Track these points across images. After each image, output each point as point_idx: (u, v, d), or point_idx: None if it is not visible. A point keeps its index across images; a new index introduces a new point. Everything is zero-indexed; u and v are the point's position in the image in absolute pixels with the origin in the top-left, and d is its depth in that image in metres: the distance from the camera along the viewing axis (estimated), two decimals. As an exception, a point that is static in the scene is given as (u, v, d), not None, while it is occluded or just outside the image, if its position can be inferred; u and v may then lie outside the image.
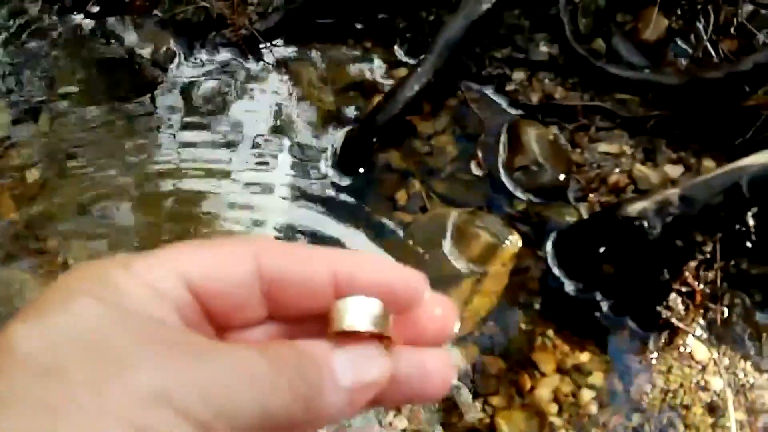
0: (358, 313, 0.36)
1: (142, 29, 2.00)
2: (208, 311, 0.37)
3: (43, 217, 1.79)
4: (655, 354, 1.66)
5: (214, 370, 0.33)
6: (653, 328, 1.67)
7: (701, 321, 1.68)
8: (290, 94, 1.96)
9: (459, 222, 1.76)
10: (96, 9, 2.01)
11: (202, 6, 1.98)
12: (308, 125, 1.93)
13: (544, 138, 1.85)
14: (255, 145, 1.90)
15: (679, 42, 2.02)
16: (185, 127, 1.92)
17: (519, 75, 1.96)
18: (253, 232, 1.76)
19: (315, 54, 2.02)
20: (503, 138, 1.88)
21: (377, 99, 1.93)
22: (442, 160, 1.89)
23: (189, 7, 1.98)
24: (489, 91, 1.96)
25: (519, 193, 1.82)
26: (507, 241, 1.74)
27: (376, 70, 2.01)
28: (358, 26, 2.04)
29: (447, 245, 1.73)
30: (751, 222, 1.62)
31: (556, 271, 1.73)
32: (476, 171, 1.87)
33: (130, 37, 2.01)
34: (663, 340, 1.67)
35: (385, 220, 1.78)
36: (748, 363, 1.67)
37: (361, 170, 1.86)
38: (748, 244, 1.64)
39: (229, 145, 1.89)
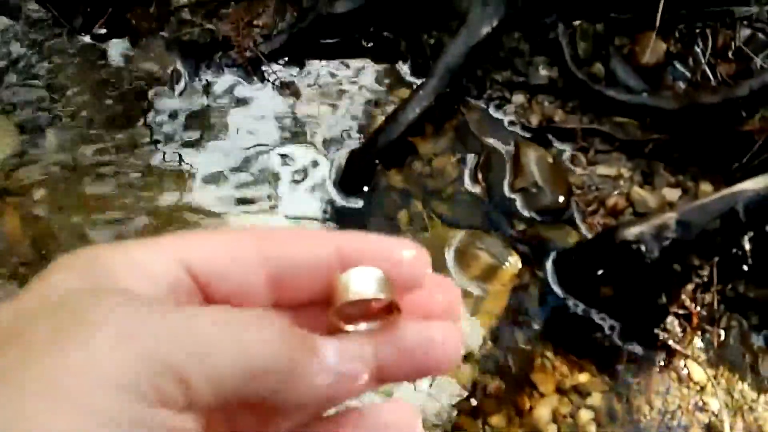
0: (362, 281, 0.36)
1: (148, 50, 2.03)
2: (211, 298, 0.36)
3: (49, 235, 1.81)
4: (654, 375, 1.68)
5: (191, 319, 0.32)
6: (651, 350, 1.69)
7: (699, 343, 1.70)
8: (293, 115, 1.99)
9: (459, 243, 1.79)
10: (103, 31, 2.03)
11: (208, 28, 2.01)
12: (310, 145, 1.96)
13: (544, 160, 1.88)
14: (257, 165, 1.92)
15: (678, 65, 2.05)
16: (189, 146, 1.95)
17: (519, 98, 1.98)
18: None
19: (318, 75, 2.05)
20: (503, 160, 1.91)
21: (380, 119, 1.96)
22: (442, 181, 1.92)
23: (195, 29, 2.01)
24: (489, 113, 1.99)
25: (518, 215, 1.84)
26: (507, 262, 1.76)
27: (378, 90, 2.04)
28: (360, 48, 2.06)
29: (448, 266, 1.75)
30: (747, 246, 1.64)
31: (556, 291, 1.75)
32: (476, 192, 1.89)
33: (137, 58, 2.04)
34: (661, 362, 1.69)
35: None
36: (746, 384, 1.69)
37: (364, 190, 1.88)
38: (745, 268, 1.67)
39: (231, 164, 1.92)
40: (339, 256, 0.37)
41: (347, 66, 2.06)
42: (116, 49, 2.05)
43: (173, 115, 1.98)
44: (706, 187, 1.86)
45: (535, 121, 1.95)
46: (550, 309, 1.75)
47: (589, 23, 1.99)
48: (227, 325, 0.32)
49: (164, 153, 1.94)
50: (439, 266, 1.75)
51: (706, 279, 1.67)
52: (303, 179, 1.90)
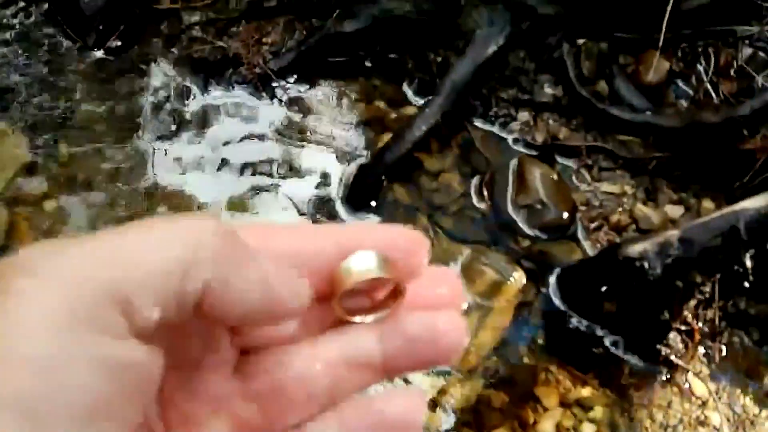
0: (363, 263, 0.36)
1: (160, 67, 2.06)
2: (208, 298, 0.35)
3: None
4: (656, 389, 1.70)
5: (114, 240, 0.31)
6: (654, 365, 1.71)
7: (701, 358, 1.73)
8: (301, 131, 2.02)
9: (465, 258, 1.81)
10: (115, 46, 2.07)
11: (218, 45, 2.05)
12: (319, 161, 1.99)
13: (548, 177, 1.91)
14: (265, 181, 1.95)
15: (680, 84, 2.08)
16: (198, 163, 1.98)
17: (524, 115, 2.01)
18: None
19: (326, 91, 2.08)
20: (508, 177, 1.93)
21: (386, 136, 1.99)
22: (448, 197, 1.94)
23: (206, 46, 2.05)
24: (495, 131, 2.02)
25: (523, 231, 1.87)
26: (511, 278, 1.79)
27: (384, 108, 2.07)
28: (368, 65, 2.10)
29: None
30: (748, 263, 1.66)
31: (560, 306, 1.77)
32: (482, 208, 1.92)
33: (149, 74, 2.07)
34: (663, 376, 1.71)
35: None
36: (747, 399, 1.71)
37: (372, 205, 1.91)
38: (746, 285, 1.69)
39: (241, 179, 1.95)
40: (339, 248, 0.37)
41: (355, 83, 2.09)
42: (128, 65, 2.09)
43: (183, 129, 2.01)
44: (708, 204, 1.89)
45: (540, 138, 1.98)
46: (554, 324, 1.77)
47: (594, 42, 2.02)
48: (152, 230, 0.32)
49: (174, 164, 1.97)
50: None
51: (708, 295, 1.69)
52: (311, 194, 1.93)
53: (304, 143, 2.01)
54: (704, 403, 1.69)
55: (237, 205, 1.92)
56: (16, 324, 0.28)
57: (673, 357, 1.69)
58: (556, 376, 1.72)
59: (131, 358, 0.30)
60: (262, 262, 0.34)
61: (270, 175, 1.96)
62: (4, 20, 2.14)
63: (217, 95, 2.04)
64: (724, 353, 1.74)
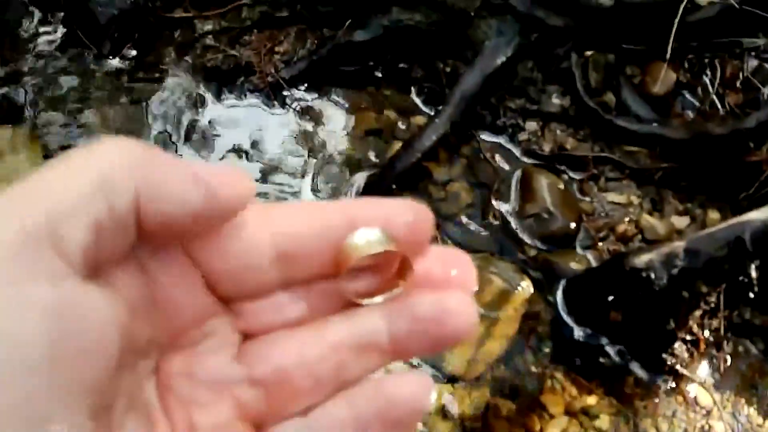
0: (367, 238, 0.35)
1: (174, 75, 2.09)
2: (211, 275, 0.35)
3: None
4: (661, 399, 1.72)
5: (47, 172, 0.30)
6: (659, 374, 1.73)
7: (705, 368, 1.75)
8: (312, 139, 2.05)
9: (473, 267, 1.83)
10: (130, 55, 2.10)
11: (231, 54, 2.07)
12: (330, 170, 2.01)
13: (555, 187, 1.93)
14: (276, 189, 1.98)
15: (687, 95, 2.10)
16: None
17: (532, 125, 2.03)
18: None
19: (337, 101, 2.11)
20: (516, 186, 1.96)
21: (396, 145, 2.02)
22: (456, 206, 1.97)
23: (219, 55, 2.07)
24: (503, 140, 2.04)
25: (530, 240, 1.89)
26: (519, 287, 1.81)
27: (394, 117, 2.10)
28: (378, 75, 2.12)
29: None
30: (753, 274, 1.68)
31: (565, 317, 1.79)
32: (489, 217, 1.94)
33: (163, 83, 2.10)
34: (668, 386, 1.73)
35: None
36: (752, 408, 1.73)
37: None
38: (751, 295, 1.71)
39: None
40: (349, 224, 0.35)
41: (365, 93, 2.11)
42: (142, 74, 2.11)
43: (196, 137, 2.03)
44: (713, 215, 1.90)
45: (547, 148, 2.00)
46: (560, 333, 1.79)
47: (601, 54, 2.05)
48: (69, 160, 0.31)
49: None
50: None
51: (713, 305, 1.71)
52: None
53: (314, 152, 2.03)
54: (709, 413, 1.71)
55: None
56: None
57: (678, 366, 1.71)
58: (562, 384, 1.74)
59: (70, 299, 0.29)
60: (189, 162, 0.32)
61: (280, 184, 1.98)
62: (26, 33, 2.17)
63: (229, 103, 2.07)
64: (728, 363, 1.75)
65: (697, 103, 2.08)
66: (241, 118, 2.06)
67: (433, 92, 2.08)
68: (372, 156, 2.04)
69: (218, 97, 2.07)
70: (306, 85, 2.10)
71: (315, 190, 1.98)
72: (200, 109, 2.04)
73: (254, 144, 2.03)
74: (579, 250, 1.89)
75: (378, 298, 0.37)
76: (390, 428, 0.35)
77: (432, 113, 2.05)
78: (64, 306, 0.28)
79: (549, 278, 1.84)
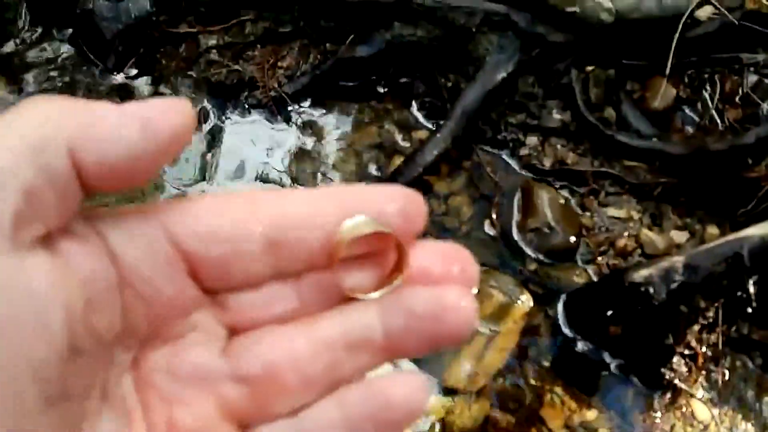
0: (359, 221, 0.34)
1: (178, 90, 2.11)
2: (198, 267, 0.33)
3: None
4: (659, 413, 1.73)
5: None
6: (657, 388, 1.74)
7: (704, 382, 1.76)
8: (314, 153, 2.07)
9: (473, 281, 1.85)
10: (134, 70, 2.12)
11: (235, 69, 2.10)
12: (331, 185, 2.03)
13: (556, 201, 1.95)
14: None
15: (687, 110, 2.11)
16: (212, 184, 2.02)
17: (532, 140, 2.05)
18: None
19: (339, 115, 2.13)
20: (516, 200, 1.97)
21: (398, 159, 2.03)
22: (457, 220, 1.98)
23: (223, 70, 2.10)
24: (504, 155, 2.06)
25: (531, 254, 1.91)
26: (519, 301, 1.82)
27: (396, 131, 2.11)
28: (380, 90, 2.14)
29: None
30: (751, 289, 1.70)
31: (566, 329, 1.81)
32: (490, 231, 1.96)
33: (167, 96, 2.12)
34: (666, 400, 1.74)
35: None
36: (749, 424, 1.74)
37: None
38: (749, 310, 1.73)
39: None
40: (341, 210, 0.34)
41: (367, 107, 2.13)
42: (147, 88, 2.14)
43: (197, 152, 2.05)
44: (712, 230, 1.92)
45: (547, 163, 2.01)
46: (560, 346, 1.80)
47: (602, 69, 2.06)
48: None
49: (188, 189, 2.01)
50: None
51: (711, 320, 1.72)
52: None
53: (316, 166, 2.05)
54: (706, 428, 1.72)
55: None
56: None
57: (676, 381, 1.72)
58: (562, 398, 1.75)
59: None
60: (123, 105, 0.31)
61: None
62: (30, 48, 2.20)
63: (233, 118, 2.09)
64: (726, 378, 1.77)
65: (697, 119, 2.10)
66: (244, 132, 2.08)
67: (435, 107, 2.10)
68: (374, 170, 2.05)
69: (222, 112, 2.09)
70: (309, 100, 2.12)
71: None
72: (204, 124, 2.06)
73: (257, 158, 2.05)
74: (579, 264, 1.90)
75: (374, 294, 0.35)
76: (383, 431, 0.34)
77: (433, 128, 2.06)
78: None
79: (549, 292, 1.85)
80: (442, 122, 2.00)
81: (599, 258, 1.90)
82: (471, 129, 2.01)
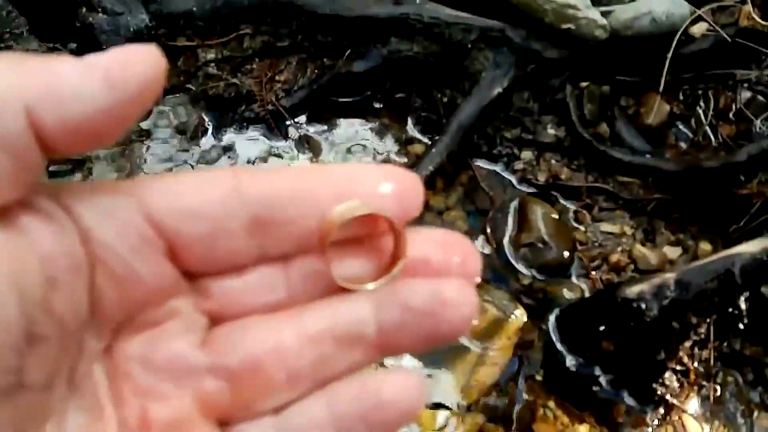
0: (352, 204, 0.32)
1: (176, 103, 2.13)
2: (179, 247, 0.31)
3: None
4: (651, 428, 1.74)
5: None
6: (650, 404, 1.75)
7: (695, 398, 1.77)
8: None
9: (467, 295, 1.86)
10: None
11: (233, 82, 2.11)
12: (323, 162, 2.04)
13: (550, 216, 1.96)
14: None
15: (681, 126, 2.13)
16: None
17: (527, 155, 2.07)
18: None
19: (335, 129, 2.14)
20: (511, 215, 1.99)
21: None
22: (452, 234, 1.99)
23: (221, 83, 2.12)
24: (499, 169, 2.07)
25: (525, 269, 1.92)
26: (513, 315, 1.84)
27: (393, 146, 2.13)
28: (377, 105, 2.16)
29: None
30: (743, 305, 1.71)
31: (558, 345, 1.82)
32: (485, 246, 1.97)
33: (165, 111, 2.14)
34: (659, 415, 1.75)
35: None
36: (741, 439, 1.75)
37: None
38: (741, 326, 1.74)
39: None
40: (335, 190, 0.32)
41: (363, 122, 2.15)
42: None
43: (196, 165, 2.07)
44: (705, 246, 1.93)
45: (542, 178, 2.03)
46: (553, 361, 1.82)
47: (596, 85, 2.08)
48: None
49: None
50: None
51: (703, 336, 1.73)
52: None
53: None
54: (698, 443, 1.73)
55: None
56: None
57: (668, 396, 1.73)
58: (555, 412, 1.76)
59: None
60: (84, 57, 0.28)
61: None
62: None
63: (230, 132, 2.11)
64: (718, 393, 1.78)
65: (690, 134, 2.11)
66: (241, 145, 2.10)
67: (431, 121, 2.12)
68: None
69: (220, 125, 2.11)
70: (306, 114, 2.14)
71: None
72: (202, 138, 2.07)
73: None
74: (573, 279, 1.92)
75: (370, 285, 0.33)
76: None
77: (429, 142, 2.08)
78: None
79: (542, 307, 1.86)
80: (438, 137, 2.01)
81: (593, 273, 1.91)
82: (466, 143, 2.03)
